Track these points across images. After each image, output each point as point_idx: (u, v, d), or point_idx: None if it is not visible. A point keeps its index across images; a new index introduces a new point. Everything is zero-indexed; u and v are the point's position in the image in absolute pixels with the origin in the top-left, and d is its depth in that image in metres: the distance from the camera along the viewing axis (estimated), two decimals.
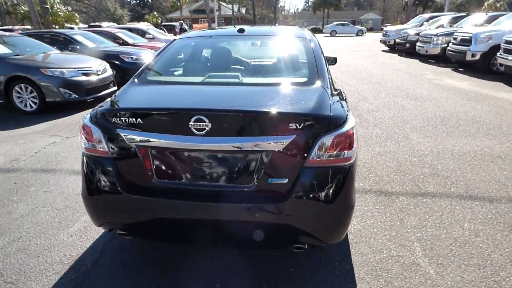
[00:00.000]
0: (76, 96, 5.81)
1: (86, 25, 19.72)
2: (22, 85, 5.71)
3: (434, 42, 11.39)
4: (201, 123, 1.58)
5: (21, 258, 2.23)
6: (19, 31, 12.23)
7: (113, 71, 6.94)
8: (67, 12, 14.02)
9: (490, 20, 10.33)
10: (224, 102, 1.81)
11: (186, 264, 2.13)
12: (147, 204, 1.73)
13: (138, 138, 1.67)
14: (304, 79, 2.05)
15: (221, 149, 1.63)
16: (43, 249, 2.32)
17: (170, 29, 21.87)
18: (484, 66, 9.00)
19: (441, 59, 11.39)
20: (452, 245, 2.28)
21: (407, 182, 3.18)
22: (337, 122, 1.67)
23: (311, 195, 1.64)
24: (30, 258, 2.23)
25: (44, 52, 6.51)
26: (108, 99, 1.96)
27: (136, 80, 2.13)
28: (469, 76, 8.85)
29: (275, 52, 2.64)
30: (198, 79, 2.11)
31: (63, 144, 4.37)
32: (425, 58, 12.35)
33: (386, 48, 16.94)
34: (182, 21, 25.14)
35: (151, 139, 1.66)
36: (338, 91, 2.22)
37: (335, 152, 1.65)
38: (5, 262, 2.20)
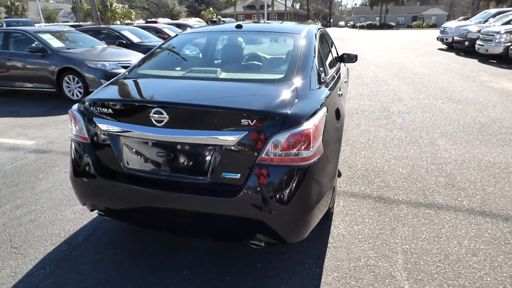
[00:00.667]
0: None
1: (143, 21, 21.01)
2: (71, 76, 6.34)
3: (497, 40, 10.25)
4: (160, 115, 1.66)
5: (30, 228, 2.53)
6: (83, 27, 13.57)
7: None
8: (124, 9, 15.12)
9: None
10: (185, 96, 1.86)
11: (161, 251, 2.24)
12: (117, 189, 1.86)
13: (109, 127, 1.80)
14: (281, 76, 2.02)
15: (177, 141, 1.69)
16: (49, 222, 2.61)
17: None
18: None
19: (505, 59, 10.23)
20: (441, 261, 2.09)
21: (414, 190, 2.96)
22: (295, 120, 1.63)
23: (262, 193, 1.63)
24: (36, 229, 2.52)
25: (92, 46, 7.14)
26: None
27: (127, 73, 2.28)
28: None
29: (264, 49, 2.62)
30: (180, 73, 2.19)
31: None
32: (486, 58, 11.16)
33: (444, 47, 15.62)
34: (220, 17, 25.57)
35: (120, 128, 1.78)
36: (326, 90, 2.13)
37: (290, 151, 1.62)
38: (16, 230, 2.51)
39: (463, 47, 12.83)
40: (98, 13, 14.90)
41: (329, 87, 2.27)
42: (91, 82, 6.18)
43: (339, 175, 3.28)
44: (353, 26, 57.59)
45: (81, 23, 19.49)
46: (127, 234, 2.45)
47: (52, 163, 3.69)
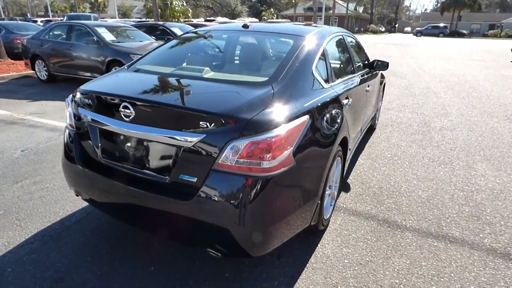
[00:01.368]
0: None
1: (202, 19, 21.88)
2: (117, 67, 6.79)
3: None
4: (128, 110, 1.66)
5: (37, 204, 2.73)
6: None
7: None
8: (182, 8, 15.85)
9: None
10: (155, 93, 1.83)
11: (139, 243, 2.26)
12: (92, 178, 1.90)
13: (89, 117, 1.85)
14: (264, 79, 1.89)
15: (142, 137, 1.67)
16: (54, 200, 2.79)
17: None
18: None
19: None
20: None
21: (428, 218, 2.62)
22: (257, 127, 1.51)
23: (216, 200, 1.54)
24: (42, 205, 2.71)
25: (140, 41, 7.58)
26: None
27: (126, 67, 2.33)
28: None
29: (262, 50, 2.49)
30: (170, 70, 2.18)
31: None
32: None
33: None
34: (265, 18, 25.44)
35: (97, 120, 1.81)
36: (318, 98, 1.95)
37: (249, 160, 1.50)
38: (26, 204, 2.72)
39: None
40: (159, 10, 15.83)
41: (326, 94, 2.09)
42: None
43: (347, 189, 3.03)
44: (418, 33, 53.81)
45: (147, 19, 20.96)
46: (115, 222, 2.51)
47: None
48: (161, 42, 8.54)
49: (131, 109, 1.65)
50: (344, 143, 2.47)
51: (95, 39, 7.10)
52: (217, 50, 2.46)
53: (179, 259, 2.11)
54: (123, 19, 27.93)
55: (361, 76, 3.15)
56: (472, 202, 2.86)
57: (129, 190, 1.74)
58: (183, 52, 2.50)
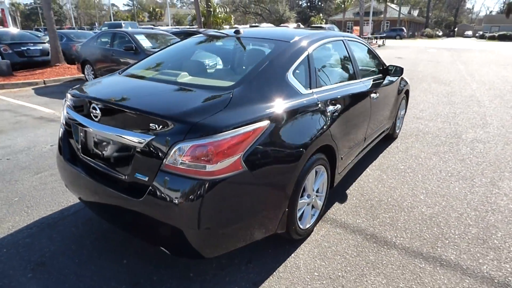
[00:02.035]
0: None
1: (248, 25, 22.28)
2: None
3: None
4: (96, 111, 1.78)
5: (47, 194, 3.00)
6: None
7: None
8: (225, 15, 16.35)
9: None
10: (118, 95, 1.91)
11: (121, 236, 2.38)
12: (75, 173, 2.05)
13: (72, 116, 2.01)
14: (230, 83, 1.89)
15: (105, 136, 1.78)
16: (62, 191, 3.04)
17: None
18: None
19: None
20: None
21: (424, 237, 2.40)
22: (203, 130, 1.52)
23: (163, 200, 1.58)
24: (50, 195, 2.97)
25: None
26: None
27: (120, 71, 2.48)
28: None
29: (245, 55, 2.47)
30: (152, 74, 2.27)
31: None
32: None
33: None
34: (299, 23, 24.95)
35: (76, 119, 1.96)
36: (286, 104, 1.91)
37: (194, 162, 1.52)
38: (38, 193, 3.01)
39: None
40: (203, 18, 16.51)
41: (301, 100, 2.03)
42: None
43: (343, 200, 2.89)
44: (481, 37, 49.26)
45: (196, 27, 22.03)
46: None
47: None
48: None
49: (98, 110, 1.77)
50: (330, 151, 2.38)
51: (133, 45, 7.61)
52: (204, 55, 2.52)
53: (151, 255, 2.19)
54: (176, 27, 29.45)
55: (365, 82, 3.00)
56: (482, 224, 2.57)
57: (99, 186, 1.85)
58: (173, 57, 2.60)
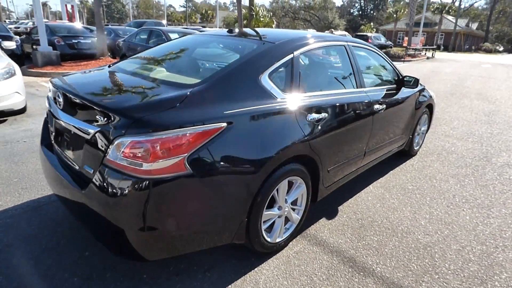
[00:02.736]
0: None
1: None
2: None
3: None
4: (59, 99, 1.80)
5: (44, 178, 3.13)
6: None
7: None
8: (267, 19, 16.38)
9: None
10: (80, 86, 1.88)
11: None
12: (45, 161, 2.09)
13: (48, 103, 2.06)
14: (196, 81, 1.81)
15: (63, 125, 1.79)
16: None
17: (363, 39, 21.35)
18: None
19: None
20: None
21: (410, 268, 2.12)
22: (143, 127, 1.46)
23: (100, 195, 1.53)
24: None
25: None
26: None
27: (110, 64, 2.50)
28: None
29: (226, 54, 2.35)
30: (132, 68, 2.25)
31: None
32: None
33: None
34: (332, 29, 23.99)
35: (49, 106, 2.01)
36: (252, 106, 1.78)
37: (132, 159, 1.46)
38: (36, 176, 3.14)
39: None
40: (245, 21, 16.70)
41: (273, 105, 1.90)
42: None
43: (331, 216, 2.68)
44: None
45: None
46: None
47: None
48: None
49: (61, 98, 1.79)
50: (311, 163, 2.20)
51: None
52: (190, 52, 2.46)
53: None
54: (222, 29, 30.30)
55: (369, 92, 2.76)
56: (487, 261, 2.23)
57: (58, 174, 1.87)
58: (161, 53, 2.56)
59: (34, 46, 9.96)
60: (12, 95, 4.68)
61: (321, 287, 1.93)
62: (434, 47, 25.29)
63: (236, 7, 18.71)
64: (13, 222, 2.42)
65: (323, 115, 2.21)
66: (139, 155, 1.45)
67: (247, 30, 2.75)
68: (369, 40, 21.54)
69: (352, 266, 2.12)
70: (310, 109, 2.13)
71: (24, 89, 5.05)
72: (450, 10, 44.08)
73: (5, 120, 4.79)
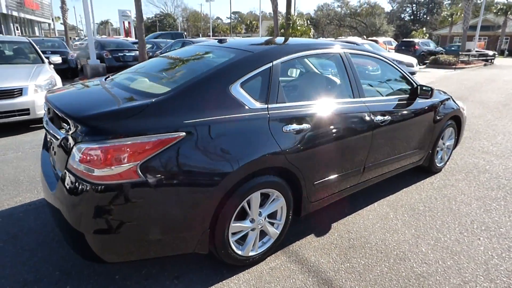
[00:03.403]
0: None
1: (333, 38, 21.78)
2: None
3: None
4: (46, 110, 1.98)
5: None
6: None
7: None
8: (304, 27, 16.28)
9: None
10: (63, 97, 1.99)
11: None
12: (40, 164, 2.26)
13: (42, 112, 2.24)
14: (164, 91, 1.83)
15: (50, 131, 1.94)
16: None
17: (408, 46, 20.24)
18: None
19: None
20: None
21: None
22: (98, 134, 1.53)
23: (61, 198, 1.64)
24: None
25: None
26: None
27: (104, 79, 2.56)
28: None
29: (206, 64, 2.30)
30: (120, 78, 2.33)
31: None
32: None
33: None
34: (364, 36, 22.56)
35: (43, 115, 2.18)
36: (210, 115, 1.77)
37: (86, 165, 1.52)
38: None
39: None
40: (282, 30, 16.77)
41: (244, 115, 1.86)
42: None
43: (320, 233, 2.53)
44: None
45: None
46: None
47: None
48: None
49: (46, 108, 1.95)
50: (291, 176, 2.11)
51: None
52: (176, 63, 2.50)
53: None
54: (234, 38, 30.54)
55: (368, 102, 2.59)
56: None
57: (44, 174, 2.03)
58: (152, 64, 2.63)
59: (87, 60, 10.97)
60: None
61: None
62: (493, 52, 23.03)
63: (280, 16, 18.86)
64: (24, 216, 2.65)
65: (305, 126, 2.11)
66: (92, 161, 1.51)
67: (238, 40, 2.74)
68: (416, 47, 20.27)
69: None
70: (289, 120, 2.05)
71: None
72: None
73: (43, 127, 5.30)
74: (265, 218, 2.11)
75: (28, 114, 4.78)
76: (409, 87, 3.12)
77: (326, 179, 2.36)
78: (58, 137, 1.76)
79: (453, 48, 23.81)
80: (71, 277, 2.00)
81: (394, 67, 3.08)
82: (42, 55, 6.14)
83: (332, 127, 2.29)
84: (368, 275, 2.11)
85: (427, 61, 19.39)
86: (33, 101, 4.77)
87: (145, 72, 2.44)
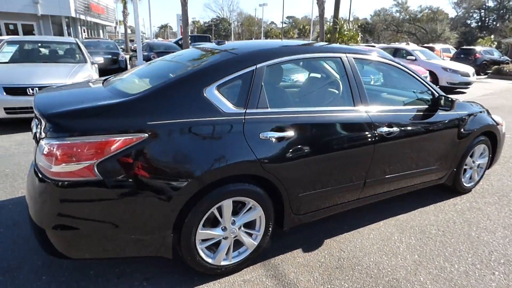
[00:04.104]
0: None
1: (374, 45, 20.78)
2: None
3: None
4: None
5: None
6: None
7: None
8: (352, 32, 15.70)
9: None
10: (46, 97, 2.01)
11: None
12: None
13: None
14: (138, 91, 1.84)
15: None
16: None
17: (468, 54, 18.56)
18: None
19: None
20: None
21: None
22: (57, 131, 1.58)
23: (28, 192, 1.76)
24: None
25: None
26: None
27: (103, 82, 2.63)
28: None
29: (189, 65, 2.23)
30: (115, 78, 2.39)
31: None
32: None
33: None
34: (409, 42, 20.43)
35: None
36: (177, 116, 1.74)
37: (46, 160, 1.57)
38: None
39: None
40: (328, 35, 16.38)
41: (217, 119, 1.81)
42: None
43: (310, 249, 2.37)
44: None
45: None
46: None
47: None
48: None
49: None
50: (269, 185, 2.01)
51: None
52: (170, 64, 2.49)
53: None
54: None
55: (369, 112, 2.37)
56: None
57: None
58: (155, 66, 2.65)
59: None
60: None
61: None
62: None
63: (330, 20, 18.48)
64: (4, 204, 2.81)
65: (288, 134, 2.00)
66: (51, 157, 1.56)
67: (235, 42, 2.69)
68: (477, 55, 18.47)
69: None
70: (269, 126, 1.95)
71: None
72: None
73: None
74: (240, 227, 2.03)
75: None
76: (429, 98, 2.82)
77: (314, 192, 2.21)
78: (33, 133, 1.86)
79: None
80: (50, 268, 2.08)
81: (413, 76, 2.80)
82: (86, 55, 6.64)
83: (321, 136, 2.14)
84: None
85: (489, 71, 17.63)
86: None
87: (140, 74, 2.48)
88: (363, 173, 2.41)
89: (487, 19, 62.27)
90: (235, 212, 2.00)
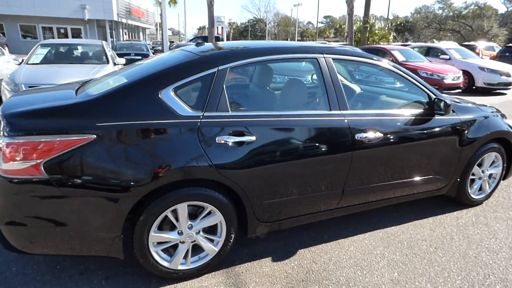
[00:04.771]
0: None
1: (407, 43, 19.70)
2: None
3: None
4: None
5: None
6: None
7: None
8: (383, 31, 15.03)
9: None
10: (20, 98, 2.09)
11: None
12: None
13: None
14: (99, 92, 1.85)
15: None
16: None
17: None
18: None
19: None
20: None
21: None
22: (8, 130, 1.62)
23: None
24: None
25: None
26: None
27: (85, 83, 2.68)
28: None
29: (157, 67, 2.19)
30: (99, 79, 2.43)
31: None
32: None
33: None
34: (435, 40, 18.59)
35: None
36: (127, 119, 1.73)
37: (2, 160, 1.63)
38: None
39: None
40: (358, 34, 15.84)
41: (170, 121, 1.78)
42: None
43: (281, 258, 2.26)
44: None
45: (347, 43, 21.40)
46: None
47: None
48: None
49: None
50: (229, 190, 1.94)
51: None
52: (142, 67, 2.47)
53: None
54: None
55: (347, 116, 2.20)
56: None
57: None
58: (132, 69, 2.64)
59: None
60: None
61: None
62: None
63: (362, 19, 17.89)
64: None
65: (249, 138, 1.91)
66: (2, 155, 1.61)
67: (218, 43, 2.62)
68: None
69: None
70: (227, 130, 1.88)
71: None
72: None
73: None
74: (198, 232, 1.98)
75: None
76: (424, 101, 2.58)
77: (282, 199, 2.11)
78: None
79: None
80: (21, 260, 2.15)
81: (406, 78, 2.58)
82: (110, 57, 6.94)
83: (288, 142, 2.03)
84: None
85: None
86: None
87: (125, 74, 2.50)
88: (340, 181, 2.26)
89: None
90: (195, 216, 1.96)
